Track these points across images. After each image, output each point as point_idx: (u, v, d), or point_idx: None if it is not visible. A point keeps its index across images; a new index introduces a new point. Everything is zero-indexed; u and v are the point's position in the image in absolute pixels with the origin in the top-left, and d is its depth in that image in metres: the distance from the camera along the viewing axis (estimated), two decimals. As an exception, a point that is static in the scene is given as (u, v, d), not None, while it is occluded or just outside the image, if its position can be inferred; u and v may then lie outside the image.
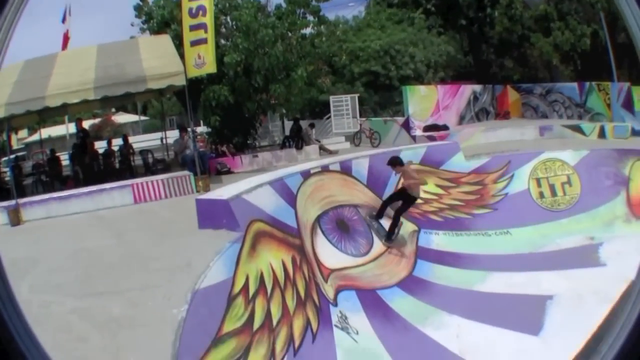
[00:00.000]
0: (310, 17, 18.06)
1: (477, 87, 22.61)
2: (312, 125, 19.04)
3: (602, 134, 18.68)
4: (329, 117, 21.41)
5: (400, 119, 19.79)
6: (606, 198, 12.89)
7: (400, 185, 10.57)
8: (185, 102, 12.61)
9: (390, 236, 10.09)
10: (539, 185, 12.85)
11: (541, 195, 12.69)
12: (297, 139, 18.08)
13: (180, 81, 12.08)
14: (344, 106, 20.82)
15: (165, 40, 13.77)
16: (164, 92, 15.46)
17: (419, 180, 10.19)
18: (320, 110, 23.64)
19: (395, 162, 10.36)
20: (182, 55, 12.51)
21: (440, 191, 11.93)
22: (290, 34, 17.09)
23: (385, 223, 10.30)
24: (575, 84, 22.99)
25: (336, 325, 7.34)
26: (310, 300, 7.30)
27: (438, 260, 10.20)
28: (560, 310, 8.67)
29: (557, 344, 7.68)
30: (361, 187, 10.83)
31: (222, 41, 16.36)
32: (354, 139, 19.51)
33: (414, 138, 17.64)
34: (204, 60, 12.19)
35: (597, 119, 20.73)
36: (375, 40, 25.43)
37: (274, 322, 6.28)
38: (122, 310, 5.28)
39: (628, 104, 20.71)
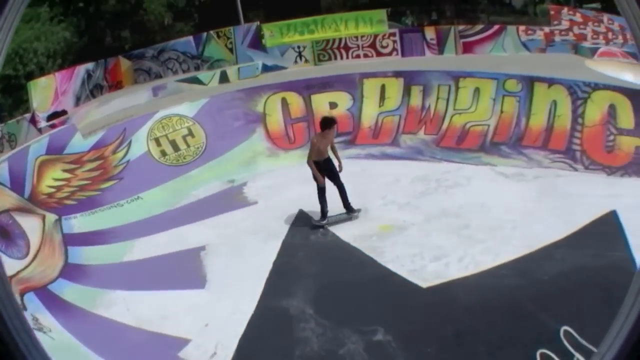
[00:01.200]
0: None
1: (90, 65, 22.36)
2: None
3: (224, 79, 19.45)
4: None
5: (29, 116, 19.14)
6: (239, 139, 13.42)
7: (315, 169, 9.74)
8: None
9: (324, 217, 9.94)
10: (159, 144, 13.10)
11: (163, 153, 12.98)
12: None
13: None
14: None
15: None
16: None
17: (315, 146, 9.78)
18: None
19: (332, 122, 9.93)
20: None
21: (68, 175, 11.92)
22: None
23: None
24: (190, 37, 23.41)
25: (34, 329, 7.20)
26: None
27: (84, 243, 10.45)
28: (219, 258, 9.17)
29: (230, 291, 8.11)
30: (8, 192, 10.65)
31: None
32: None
33: (40, 131, 17.36)
34: None
35: (218, 66, 21.39)
36: (9, 45, 23.36)
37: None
38: None
39: (257, 43, 21.53)
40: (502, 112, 12.76)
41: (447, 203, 10.08)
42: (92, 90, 21.98)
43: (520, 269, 7.67)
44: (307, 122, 14.09)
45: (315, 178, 9.77)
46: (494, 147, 12.38)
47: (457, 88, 13.46)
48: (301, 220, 10.22)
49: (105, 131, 13.13)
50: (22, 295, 8.32)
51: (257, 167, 13.12)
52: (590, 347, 5.69)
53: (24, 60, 25.05)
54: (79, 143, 12.67)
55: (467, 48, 20.67)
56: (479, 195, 10.28)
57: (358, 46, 21.15)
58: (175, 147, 13.32)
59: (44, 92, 19.63)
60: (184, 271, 9.03)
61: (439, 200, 10.30)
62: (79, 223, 11.09)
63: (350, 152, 13.17)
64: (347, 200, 10.07)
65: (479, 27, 21.32)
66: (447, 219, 9.45)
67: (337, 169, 9.96)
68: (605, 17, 20.50)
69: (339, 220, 10.10)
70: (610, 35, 19.99)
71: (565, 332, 6.04)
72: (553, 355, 5.76)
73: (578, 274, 7.35)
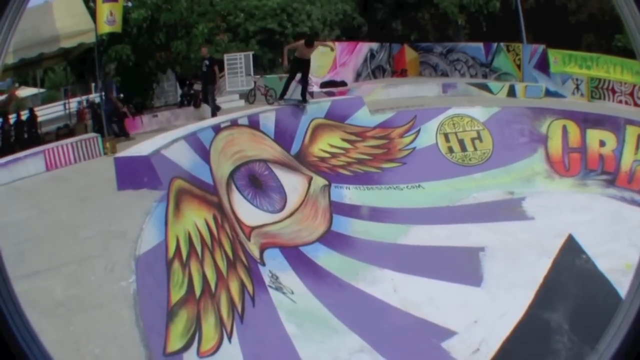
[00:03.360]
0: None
1: (375, 45, 22.65)
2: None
3: (512, 93, 19.32)
4: (223, 75, 20.69)
5: (297, 76, 20.09)
6: (522, 155, 13.59)
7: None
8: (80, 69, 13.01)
9: (282, 97, 12.87)
10: (447, 140, 13.22)
11: (450, 150, 13.07)
12: (194, 98, 17.94)
13: (91, 38, 12.21)
14: (238, 64, 20.56)
15: (76, 1, 13.44)
16: (69, 54, 15.21)
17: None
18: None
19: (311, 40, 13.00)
20: (92, 14, 12.50)
21: (347, 145, 12.13)
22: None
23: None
24: (481, 44, 22.99)
25: (270, 286, 7.23)
26: (239, 261, 7.09)
27: (355, 215, 10.42)
28: (497, 262, 9.23)
29: (503, 295, 8.18)
30: (269, 142, 10.73)
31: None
32: (249, 96, 19.35)
33: (311, 94, 17.36)
34: (115, 18, 12.24)
35: (505, 79, 21.32)
36: None
37: (213, 287, 6.02)
38: (67, 290, 4.71)
39: (543, 66, 21.19)
40: None
41: None
42: (374, 70, 22.18)
43: None
44: (581, 154, 14.26)
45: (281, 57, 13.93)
46: None
47: None
48: (570, 244, 10.47)
49: (395, 113, 13.23)
50: (262, 250, 8.16)
51: (535, 186, 13.30)
52: None
53: (293, 19, 25.31)
54: (364, 117, 12.81)
55: None
56: None
57: (621, 92, 20.34)
58: (463, 147, 13.38)
59: (321, 58, 19.52)
60: (461, 266, 9.07)
61: None
62: (351, 194, 11.09)
63: (610, 191, 13.68)
64: (305, 93, 12.52)
65: None
66: None
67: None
68: None
69: (292, 103, 12.40)
70: None
71: None
72: None
73: None
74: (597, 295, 8.75)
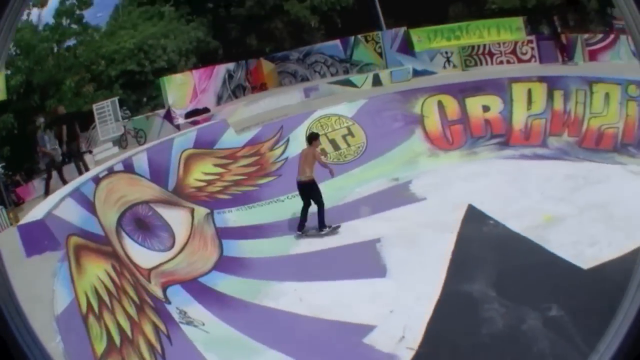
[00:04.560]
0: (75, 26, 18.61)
1: (231, 65, 22.78)
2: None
3: (377, 82, 19.74)
4: (94, 126, 20.90)
5: (162, 112, 19.94)
6: (399, 139, 13.98)
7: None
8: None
9: (300, 228, 10.83)
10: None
11: (323, 152, 13.11)
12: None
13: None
14: (107, 112, 20.49)
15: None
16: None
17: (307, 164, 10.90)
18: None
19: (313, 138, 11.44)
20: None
21: (220, 170, 12.24)
22: (56, 47, 17.54)
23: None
24: (337, 41, 23.44)
25: (181, 322, 7.36)
26: (147, 304, 7.22)
27: (242, 236, 10.59)
28: (396, 249, 9.51)
29: (412, 279, 8.42)
30: (147, 182, 10.78)
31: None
32: (121, 142, 19.31)
33: (178, 127, 17.83)
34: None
35: (368, 70, 21.59)
36: (129, 40, 25.52)
37: (129, 334, 6.14)
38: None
39: (406, 48, 21.74)
40: (627, 115, 13.59)
41: (594, 197, 10.95)
42: (234, 90, 22.40)
43: None
44: (464, 125, 14.74)
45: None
46: (624, 147, 13.26)
47: (592, 93, 14.43)
48: (471, 214, 10.79)
49: (260, 128, 13.54)
50: (164, 288, 8.33)
51: (419, 167, 13.62)
52: None
53: (150, 57, 25.49)
54: (231, 138, 13.02)
55: (592, 55, 21.29)
56: (618, 190, 11.15)
57: (501, 52, 21.70)
58: (335, 146, 13.68)
59: (181, 89, 19.97)
60: (362, 261, 9.29)
61: (587, 195, 11.17)
62: (234, 217, 11.35)
63: (505, 152, 14.25)
64: (322, 219, 10.91)
65: (600, 35, 21.91)
66: (596, 210, 10.32)
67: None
68: None
69: (313, 234, 10.88)
70: None
71: None
72: None
73: None
74: (519, 256, 9.09)
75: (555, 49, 21.11)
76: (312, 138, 11.33)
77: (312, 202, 10.98)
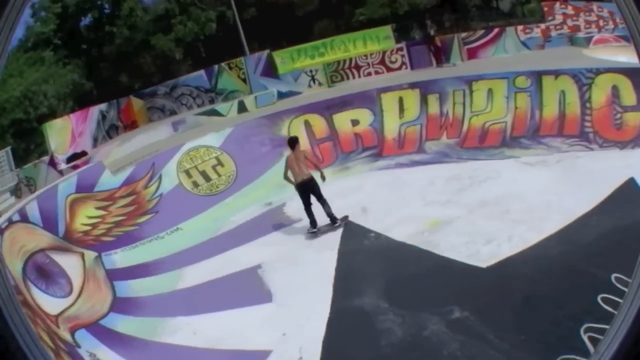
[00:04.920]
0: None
1: (104, 106, 22.99)
2: None
3: (242, 108, 20.04)
4: None
5: (47, 158, 19.88)
6: (268, 164, 14.06)
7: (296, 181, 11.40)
8: None
9: (314, 226, 11.27)
10: (190, 176, 13.72)
11: (195, 184, 13.58)
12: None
13: None
14: (2, 162, 20.26)
15: None
16: None
17: (297, 168, 11.33)
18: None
19: (294, 141, 11.73)
20: None
21: (102, 212, 12.43)
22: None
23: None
24: (202, 71, 23.71)
25: None
26: (62, 350, 7.54)
27: (130, 276, 10.82)
28: (279, 273, 9.68)
29: (299, 301, 8.55)
30: (40, 231, 10.90)
31: None
32: (16, 191, 19.22)
33: (61, 172, 17.83)
34: None
35: (233, 97, 21.81)
36: (17, 88, 25.72)
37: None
38: None
39: (270, 71, 22.05)
40: (516, 108, 13.98)
41: (484, 195, 11.12)
42: (108, 130, 22.49)
43: (564, 238, 8.75)
44: (333, 142, 15.05)
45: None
46: (514, 140, 13.57)
47: (471, 91, 14.63)
48: (350, 229, 10.96)
49: (134, 167, 13.63)
50: (72, 333, 8.49)
51: (291, 188, 12.92)
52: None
53: (34, 104, 25.89)
54: (108, 180, 13.17)
55: (472, 54, 21.67)
56: (511, 184, 11.35)
57: (368, 64, 21.88)
58: (207, 177, 13.89)
59: (61, 135, 20.15)
60: (247, 289, 9.44)
61: (476, 194, 11.34)
62: (120, 258, 11.51)
63: (379, 164, 14.37)
64: (331, 213, 11.29)
65: (480, 32, 22.39)
66: (488, 208, 10.46)
67: (320, 182, 11.44)
68: (595, 6, 21.78)
69: (327, 230, 11.24)
70: (601, 22, 21.34)
71: (616, 277, 6.99)
72: (612, 297, 6.65)
73: (615, 233, 8.43)
74: (407, 264, 9.11)
75: (429, 52, 21.67)
76: (294, 142, 11.67)
77: (315, 199, 11.30)
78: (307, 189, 11.39)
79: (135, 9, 29.60)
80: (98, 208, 12.49)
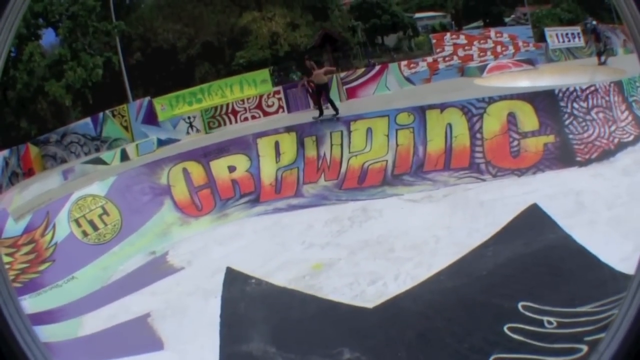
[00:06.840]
0: None
1: (6, 152, 22.11)
2: None
3: (125, 157, 19.71)
4: None
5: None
6: (151, 212, 14.31)
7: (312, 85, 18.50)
8: None
9: (321, 114, 17.50)
10: (79, 225, 13.90)
11: (84, 233, 13.74)
12: None
13: None
14: None
15: None
16: None
17: (321, 74, 17.64)
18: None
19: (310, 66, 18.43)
20: None
21: (10, 259, 12.62)
22: None
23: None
24: (89, 119, 23.19)
25: None
26: None
27: (39, 322, 10.76)
28: (168, 321, 9.79)
29: (190, 349, 8.69)
30: None
31: None
32: None
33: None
34: None
35: (116, 145, 21.47)
36: None
37: None
38: None
39: (151, 118, 21.97)
40: (398, 145, 14.43)
41: (366, 235, 11.39)
42: (11, 177, 21.93)
43: (457, 271, 8.86)
44: (211, 188, 15.46)
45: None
46: (396, 178, 13.99)
47: (350, 132, 15.26)
48: (231, 276, 11.20)
49: (32, 215, 13.85)
50: None
51: (173, 237, 14.07)
52: (559, 309, 6.83)
53: None
54: (12, 228, 13.47)
55: (352, 93, 22.41)
56: (395, 222, 11.59)
57: (245, 109, 22.37)
58: (94, 227, 14.24)
59: None
60: (139, 338, 9.70)
61: (357, 234, 11.62)
62: (29, 304, 11.66)
63: (257, 210, 14.88)
64: (335, 106, 17.08)
65: (360, 71, 23.19)
66: (371, 247, 10.70)
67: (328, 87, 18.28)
68: (493, 32, 22.52)
69: (329, 118, 15.70)
70: (499, 48, 22.11)
71: (524, 305, 7.10)
72: (521, 326, 6.75)
73: (517, 261, 8.57)
74: (291, 309, 9.29)
75: (306, 95, 21.50)
76: (310, 67, 18.44)
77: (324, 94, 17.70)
78: (322, 89, 17.85)
79: (35, 54, 29.40)
80: (7, 254, 12.69)
